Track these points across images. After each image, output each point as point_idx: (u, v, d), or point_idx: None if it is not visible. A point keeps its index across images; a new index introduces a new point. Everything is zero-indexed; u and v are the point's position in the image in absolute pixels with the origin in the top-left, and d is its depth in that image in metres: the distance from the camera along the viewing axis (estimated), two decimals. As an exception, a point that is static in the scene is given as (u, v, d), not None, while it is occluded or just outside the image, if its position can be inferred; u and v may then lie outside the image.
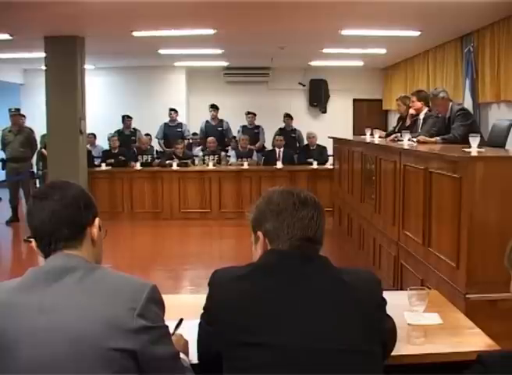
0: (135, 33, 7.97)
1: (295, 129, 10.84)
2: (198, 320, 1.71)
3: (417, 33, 8.13)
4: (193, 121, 11.89)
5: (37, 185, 10.02)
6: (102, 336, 1.42)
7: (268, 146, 10.79)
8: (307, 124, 11.68)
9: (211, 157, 9.84)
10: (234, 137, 10.81)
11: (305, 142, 10.48)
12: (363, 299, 1.61)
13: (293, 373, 1.49)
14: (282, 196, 1.69)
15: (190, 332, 1.85)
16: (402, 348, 1.90)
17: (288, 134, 10.54)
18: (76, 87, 8.52)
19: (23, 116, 9.67)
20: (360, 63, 11.72)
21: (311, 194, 1.74)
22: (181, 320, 2.00)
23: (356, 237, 6.70)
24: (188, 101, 12.91)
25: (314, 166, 9.63)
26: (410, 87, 10.59)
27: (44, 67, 8.69)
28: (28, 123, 9.75)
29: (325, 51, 9.91)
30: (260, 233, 1.70)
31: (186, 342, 1.86)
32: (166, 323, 1.56)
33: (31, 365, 1.41)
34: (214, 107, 10.69)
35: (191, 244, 8.12)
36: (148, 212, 9.46)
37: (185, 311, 2.01)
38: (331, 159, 9.40)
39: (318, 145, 10.12)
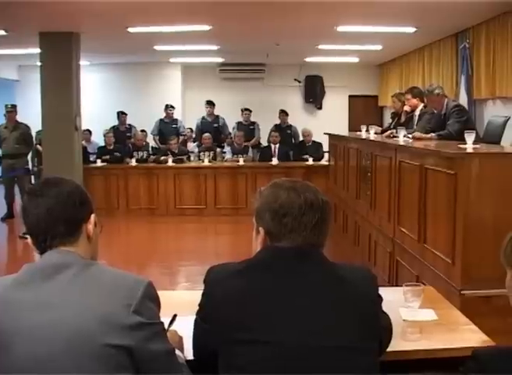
0: (130, 30, 7.94)
1: (290, 125, 10.85)
2: (194, 317, 1.70)
3: (412, 30, 8.14)
4: (189, 117, 11.87)
5: (33, 181, 9.99)
6: (98, 332, 1.41)
7: (264, 142, 10.79)
8: (302, 120, 11.68)
9: (207, 153, 9.81)
10: (230, 133, 10.80)
11: (301, 138, 10.49)
12: (359, 296, 1.60)
13: (289, 371, 1.48)
14: (288, 197, 1.61)
15: (185, 328, 1.84)
16: (397, 344, 1.90)
17: (283, 131, 10.56)
18: (71, 83, 8.50)
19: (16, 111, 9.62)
20: (355, 59, 11.71)
21: (320, 193, 1.66)
22: (175, 316, 2.00)
23: (351, 234, 6.71)
24: (184, 98, 12.88)
25: (310, 162, 9.63)
26: (406, 83, 10.60)
27: (39, 63, 8.65)
28: (23, 119, 9.70)
29: (321, 47, 9.91)
30: (261, 229, 1.65)
31: (181, 338, 1.85)
32: (161, 319, 1.56)
33: (27, 362, 1.40)
34: (210, 103, 10.69)
35: (187, 241, 8.11)
36: (144, 208, 9.44)
37: (180, 307, 2.00)
38: (326, 156, 9.41)
39: (314, 141, 10.13)
